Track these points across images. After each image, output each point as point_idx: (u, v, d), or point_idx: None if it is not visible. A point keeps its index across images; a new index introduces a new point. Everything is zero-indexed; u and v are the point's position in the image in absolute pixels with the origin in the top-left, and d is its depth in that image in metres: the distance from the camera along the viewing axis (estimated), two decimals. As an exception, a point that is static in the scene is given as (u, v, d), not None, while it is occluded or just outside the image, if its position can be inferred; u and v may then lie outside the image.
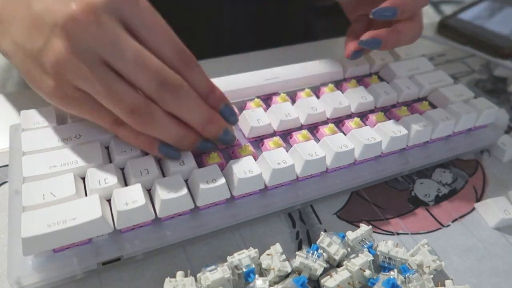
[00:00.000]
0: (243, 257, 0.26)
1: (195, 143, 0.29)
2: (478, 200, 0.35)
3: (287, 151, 0.31)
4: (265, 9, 0.59)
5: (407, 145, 0.35)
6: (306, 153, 0.31)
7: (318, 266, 0.27)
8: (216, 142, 0.30)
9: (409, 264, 0.29)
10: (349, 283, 0.27)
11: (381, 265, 0.29)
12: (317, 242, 0.28)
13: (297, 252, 0.27)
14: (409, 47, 0.44)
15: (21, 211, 0.25)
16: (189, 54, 0.28)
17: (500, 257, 0.31)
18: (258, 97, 0.37)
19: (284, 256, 0.27)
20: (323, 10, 0.66)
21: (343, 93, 0.37)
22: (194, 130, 0.29)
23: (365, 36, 0.35)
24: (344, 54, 0.38)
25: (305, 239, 0.31)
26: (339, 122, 0.36)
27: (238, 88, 0.36)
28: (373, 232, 0.32)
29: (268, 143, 0.32)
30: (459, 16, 0.59)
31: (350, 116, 0.37)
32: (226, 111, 0.30)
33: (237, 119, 0.31)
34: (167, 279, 0.25)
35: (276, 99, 0.37)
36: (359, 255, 0.28)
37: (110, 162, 0.30)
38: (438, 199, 0.35)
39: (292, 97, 0.37)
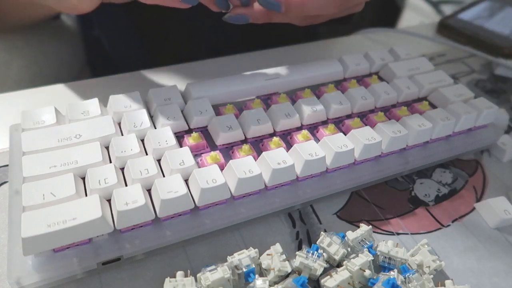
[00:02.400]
0: (243, 257, 0.26)
1: None
2: (478, 200, 0.35)
3: (287, 151, 0.31)
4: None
5: (407, 145, 0.35)
6: (306, 153, 0.31)
7: (318, 266, 0.27)
8: None
9: (409, 264, 0.29)
10: (349, 283, 0.27)
11: (381, 265, 0.29)
12: (317, 242, 0.28)
13: (297, 252, 0.27)
14: (408, 47, 0.45)
15: (21, 211, 0.25)
16: None
17: (500, 257, 0.31)
18: (258, 97, 0.37)
19: (284, 256, 0.27)
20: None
21: (343, 93, 0.37)
22: None
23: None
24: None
25: (305, 239, 0.31)
26: (339, 122, 0.36)
27: (238, 88, 0.36)
28: (373, 232, 0.32)
29: (268, 143, 0.32)
30: (459, 16, 0.59)
31: (350, 116, 0.37)
32: None
33: None
34: (167, 279, 0.25)
35: (276, 99, 0.37)
36: (359, 255, 0.28)
37: (110, 162, 0.30)
38: (438, 199, 0.35)
39: (292, 97, 0.37)
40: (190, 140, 0.32)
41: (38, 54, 0.58)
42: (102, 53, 0.60)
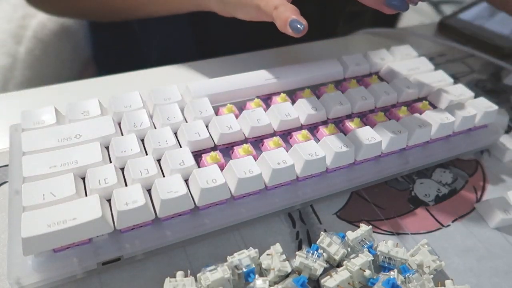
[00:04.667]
0: (243, 257, 0.26)
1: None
2: (478, 200, 0.35)
3: (287, 151, 0.31)
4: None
5: (407, 145, 0.35)
6: (306, 153, 0.31)
7: (318, 266, 0.27)
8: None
9: (409, 264, 0.29)
10: (349, 283, 0.27)
11: (381, 265, 0.29)
12: (317, 242, 0.28)
13: (297, 252, 0.27)
14: (408, 47, 0.44)
15: (21, 211, 0.25)
16: None
17: (500, 257, 0.31)
18: (258, 97, 0.37)
19: (284, 256, 0.27)
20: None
21: (343, 93, 0.37)
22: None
23: None
24: None
25: (305, 239, 0.31)
26: (339, 122, 0.36)
27: (238, 88, 0.36)
28: (373, 232, 0.32)
29: (268, 143, 0.32)
30: (459, 16, 0.59)
31: (350, 116, 0.37)
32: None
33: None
34: (167, 279, 0.25)
35: (276, 99, 0.37)
36: (359, 255, 0.28)
37: (110, 162, 0.30)
38: (438, 199, 0.35)
39: (292, 97, 0.37)
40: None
41: (40, 56, 0.58)
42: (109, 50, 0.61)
